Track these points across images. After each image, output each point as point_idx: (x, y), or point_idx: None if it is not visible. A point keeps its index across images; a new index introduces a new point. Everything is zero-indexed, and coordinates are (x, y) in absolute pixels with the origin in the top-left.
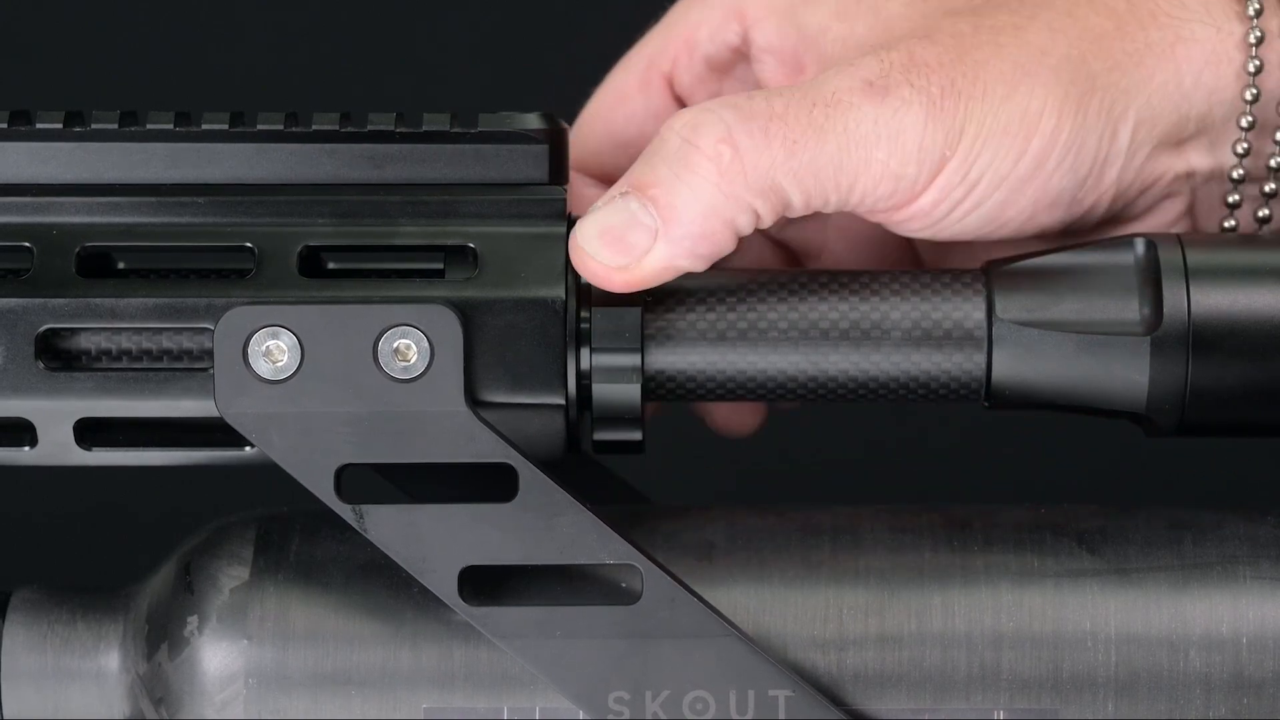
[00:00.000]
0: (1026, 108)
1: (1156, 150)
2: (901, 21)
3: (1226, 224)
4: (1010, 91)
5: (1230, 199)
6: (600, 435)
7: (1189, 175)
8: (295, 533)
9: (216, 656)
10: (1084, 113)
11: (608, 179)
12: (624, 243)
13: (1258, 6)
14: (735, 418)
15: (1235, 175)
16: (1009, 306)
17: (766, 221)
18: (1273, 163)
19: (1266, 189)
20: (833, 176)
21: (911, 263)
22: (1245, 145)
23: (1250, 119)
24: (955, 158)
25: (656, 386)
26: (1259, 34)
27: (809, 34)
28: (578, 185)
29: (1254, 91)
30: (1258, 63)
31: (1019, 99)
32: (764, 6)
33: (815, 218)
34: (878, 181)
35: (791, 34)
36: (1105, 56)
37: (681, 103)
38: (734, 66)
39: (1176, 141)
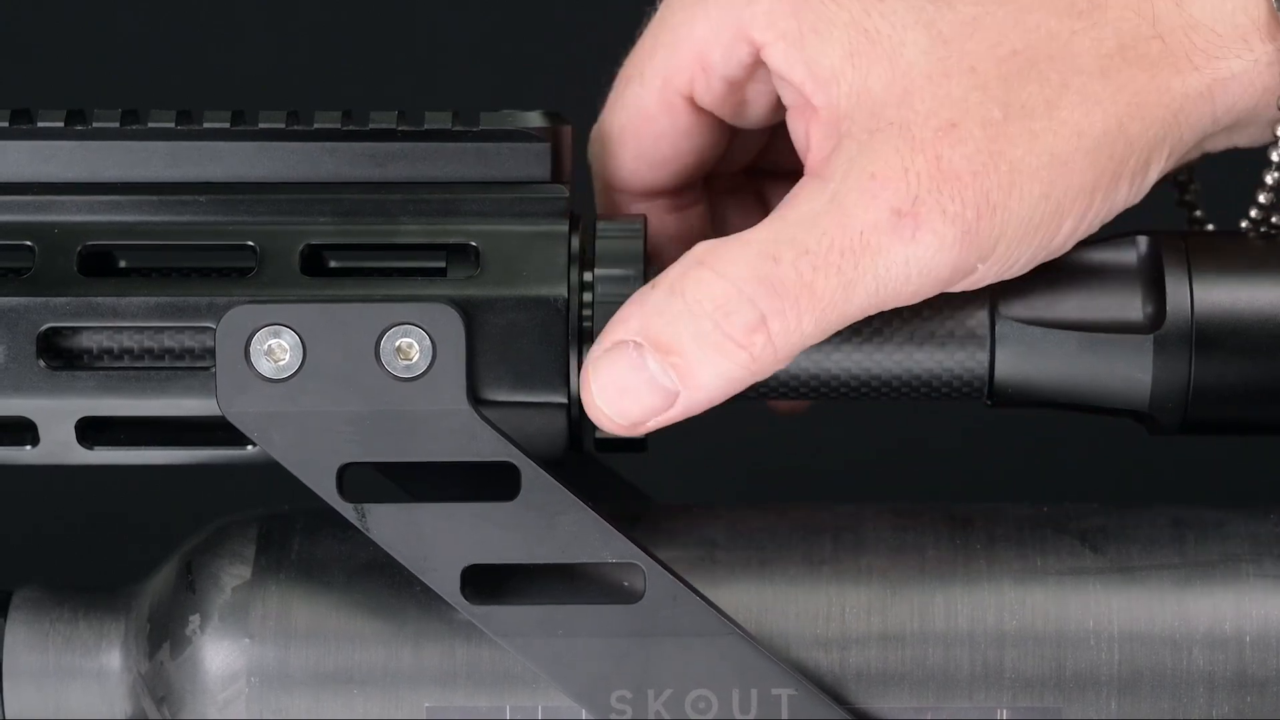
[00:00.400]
0: (1061, 202)
1: (1178, 162)
2: (921, 80)
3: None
4: (1046, 190)
5: (1252, 214)
6: (602, 434)
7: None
8: (297, 532)
9: (218, 655)
10: (1117, 181)
11: (649, 194)
12: (641, 404)
13: None
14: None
15: (1258, 208)
16: (1012, 304)
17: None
18: (1268, 179)
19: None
20: (859, 316)
21: None
22: (1276, 176)
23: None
24: (986, 264)
25: None
26: None
27: (821, 76)
28: (622, 203)
29: None
30: None
31: (1055, 195)
32: (771, 30)
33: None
34: (903, 302)
35: (800, 68)
36: (1142, 117)
37: (707, 116)
38: (754, 75)
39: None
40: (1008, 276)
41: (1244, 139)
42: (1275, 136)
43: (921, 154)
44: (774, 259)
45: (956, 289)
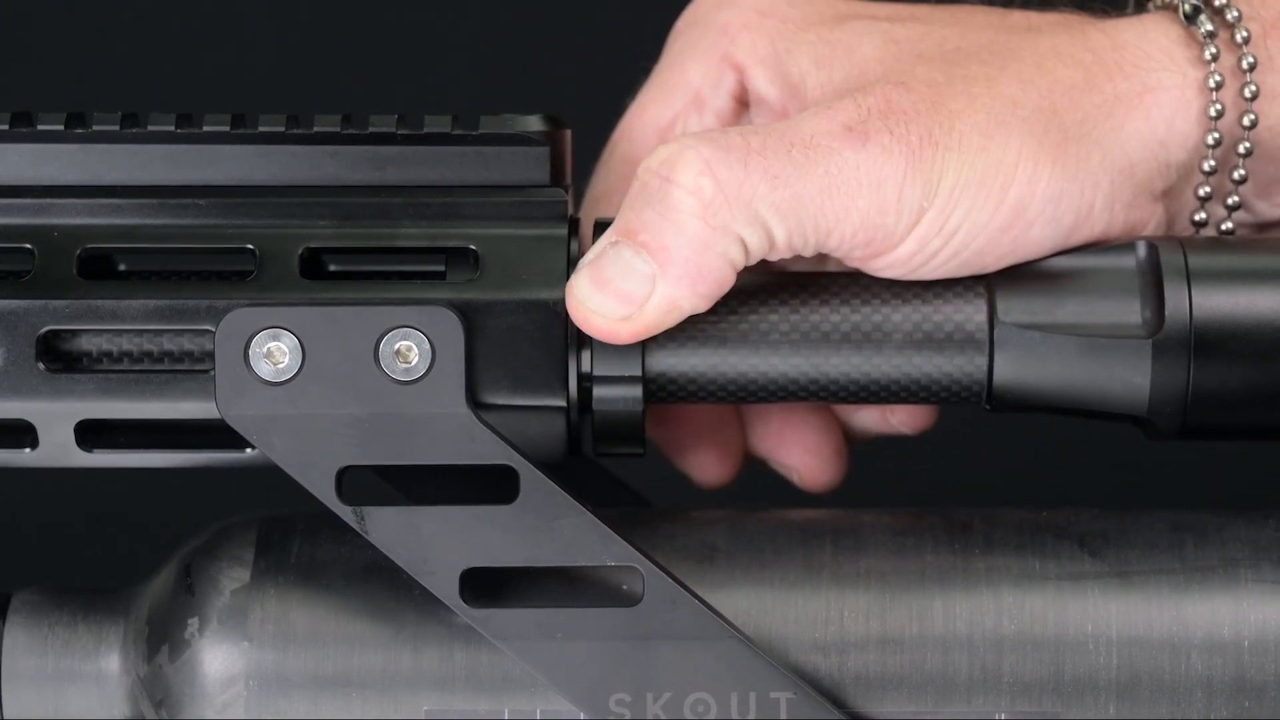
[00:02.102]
0: (1002, 158)
1: (1139, 198)
2: (875, 65)
3: None
4: (985, 142)
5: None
6: (601, 437)
7: (1170, 221)
8: (296, 535)
9: (217, 658)
10: (1060, 163)
11: None
12: (623, 293)
13: (1214, 51)
14: (817, 466)
15: (1197, 219)
16: (1011, 309)
17: (756, 255)
18: (1230, 200)
19: (1224, 228)
20: (813, 217)
21: None
22: (1208, 189)
23: (1213, 163)
24: (932, 209)
25: (658, 389)
26: (1219, 78)
27: (793, 83)
28: None
29: (1216, 136)
30: (1219, 107)
31: (994, 150)
32: (752, 55)
33: None
34: (857, 229)
35: (778, 82)
36: (1075, 109)
37: None
38: (741, 118)
39: (1163, 190)
40: (956, 248)
41: (1196, 181)
42: (1233, 181)
43: (872, 96)
44: (722, 131)
45: (903, 245)
